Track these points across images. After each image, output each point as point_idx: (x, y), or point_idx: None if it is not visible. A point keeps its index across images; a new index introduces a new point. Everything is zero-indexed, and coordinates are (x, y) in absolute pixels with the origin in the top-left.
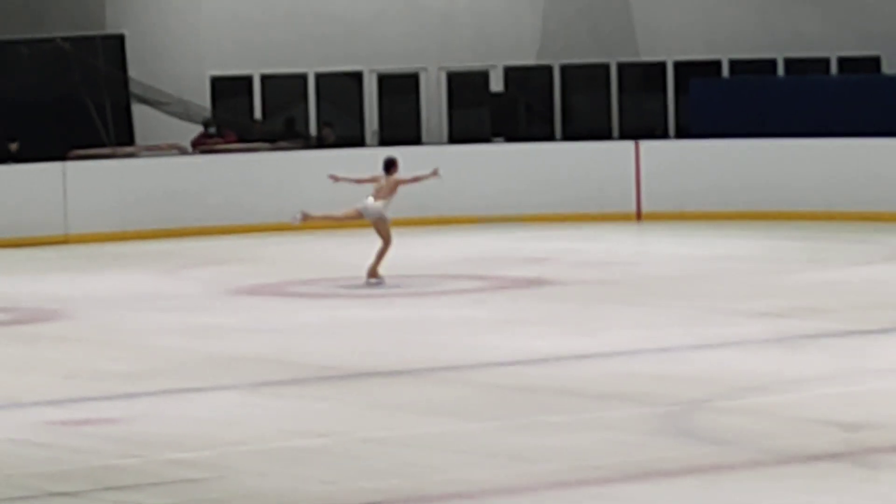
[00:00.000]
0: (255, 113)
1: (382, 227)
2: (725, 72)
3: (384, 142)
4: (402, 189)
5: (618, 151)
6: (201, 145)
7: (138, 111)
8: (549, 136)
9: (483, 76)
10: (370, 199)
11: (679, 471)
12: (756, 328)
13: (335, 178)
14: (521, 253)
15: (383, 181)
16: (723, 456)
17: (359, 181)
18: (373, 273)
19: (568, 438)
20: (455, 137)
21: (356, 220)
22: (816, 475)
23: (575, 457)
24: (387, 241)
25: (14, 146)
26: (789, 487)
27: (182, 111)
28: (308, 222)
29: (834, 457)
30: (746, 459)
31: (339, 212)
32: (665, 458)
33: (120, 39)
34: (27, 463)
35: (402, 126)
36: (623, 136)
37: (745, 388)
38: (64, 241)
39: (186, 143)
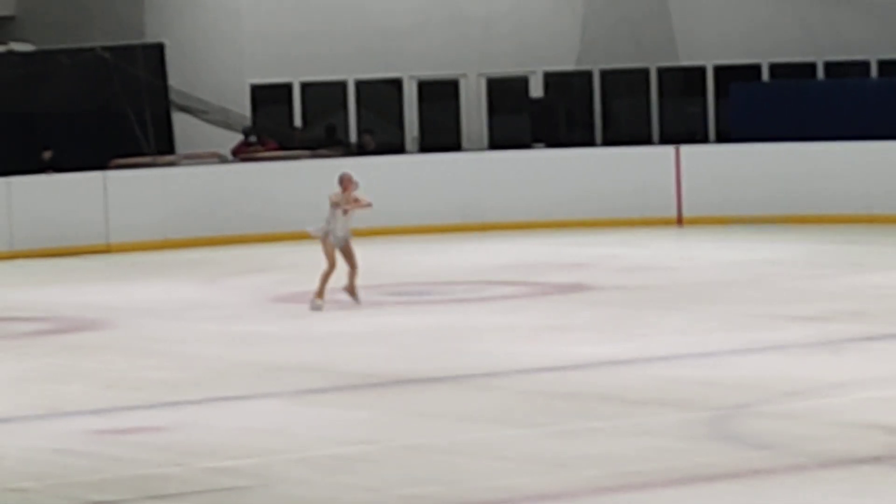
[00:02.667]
0: (296, 121)
1: (349, 249)
2: (765, 76)
3: (424, 148)
4: (445, 194)
5: (658, 156)
6: (242, 153)
7: (178, 120)
8: (589, 142)
9: (523, 82)
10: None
11: (721, 476)
12: (798, 332)
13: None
14: (562, 259)
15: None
16: (765, 460)
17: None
18: (353, 290)
19: (609, 444)
20: (495, 143)
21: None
22: (860, 479)
23: (616, 463)
24: (333, 264)
25: (48, 154)
26: (833, 491)
27: (222, 119)
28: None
29: (877, 460)
30: (789, 464)
31: (327, 266)
32: (707, 464)
33: (160, 48)
34: (70, 472)
35: (442, 133)
36: (663, 141)
37: (787, 392)
38: (105, 250)
39: (227, 152)
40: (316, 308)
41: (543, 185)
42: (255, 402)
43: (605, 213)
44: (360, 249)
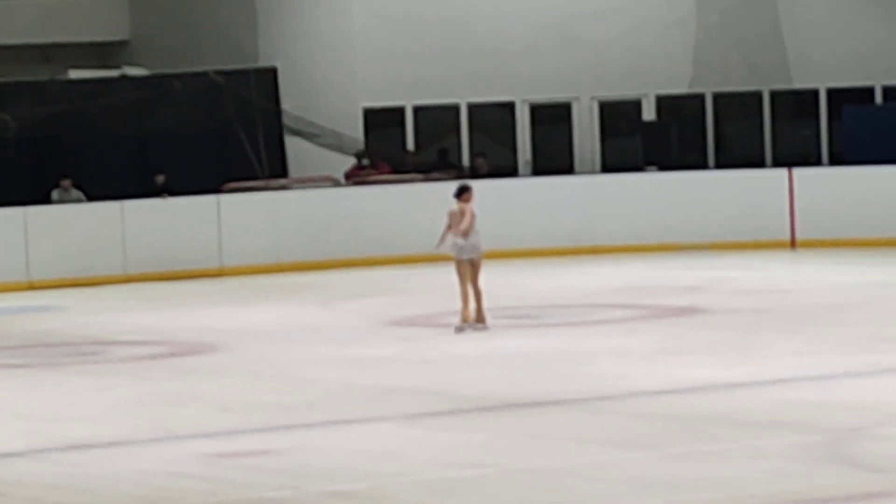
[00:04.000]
0: (408, 144)
1: (479, 263)
2: (878, 98)
3: (537, 171)
4: (558, 217)
5: (771, 179)
6: (354, 177)
7: (291, 144)
8: (701, 165)
9: (635, 105)
10: (459, 239)
11: (836, 499)
12: None
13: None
14: (675, 282)
15: (456, 208)
16: (881, 483)
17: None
18: (482, 318)
19: (724, 467)
20: (608, 167)
21: (467, 268)
22: None
23: (731, 486)
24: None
25: (161, 178)
26: None
27: (335, 143)
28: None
29: None
30: None
31: (463, 287)
32: (822, 486)
33: (273, 72)
34: (184, 495)
35: (554, 156)
36: (776, 163)
37: None
38: (219, 273)
39: (339, 175)
40: (459, 331)
41: (656, 208)
42: (370, 425)
43: (718, 236)
44: None
